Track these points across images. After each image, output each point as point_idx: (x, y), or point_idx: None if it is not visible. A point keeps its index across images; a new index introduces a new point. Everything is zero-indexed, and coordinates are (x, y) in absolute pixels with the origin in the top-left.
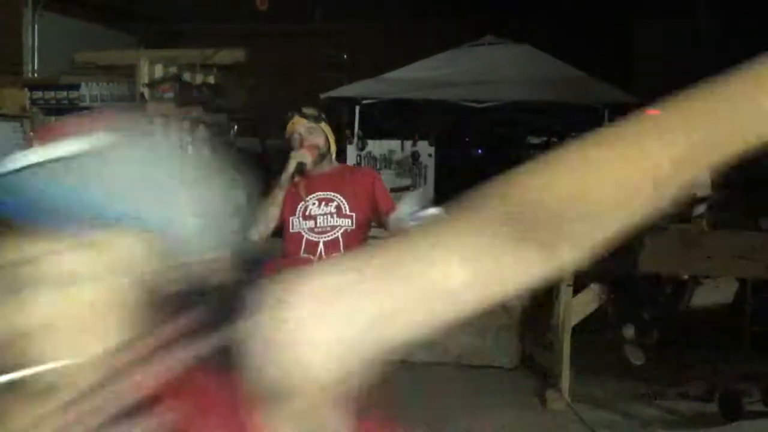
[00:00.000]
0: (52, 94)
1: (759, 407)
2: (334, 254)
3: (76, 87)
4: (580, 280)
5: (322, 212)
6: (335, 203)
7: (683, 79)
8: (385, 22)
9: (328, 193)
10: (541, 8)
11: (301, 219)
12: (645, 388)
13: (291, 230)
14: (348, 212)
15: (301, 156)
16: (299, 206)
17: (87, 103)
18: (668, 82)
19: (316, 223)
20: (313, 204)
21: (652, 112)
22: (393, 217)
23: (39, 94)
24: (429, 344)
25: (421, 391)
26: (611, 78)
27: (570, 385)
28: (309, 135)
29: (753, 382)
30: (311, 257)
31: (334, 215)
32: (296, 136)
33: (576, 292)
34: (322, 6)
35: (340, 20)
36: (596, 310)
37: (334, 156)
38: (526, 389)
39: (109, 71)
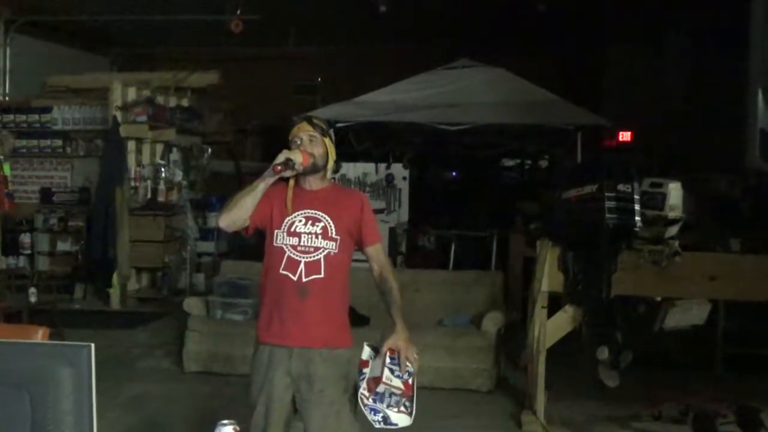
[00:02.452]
0: (23, 117)
1: (732, 428)
2: (313, 276)
3: (48, 110)
4: (555, 302)
5: (308, 231)
6: (322, 224)
7: (652, 103)
8: (358, 47)
9: (317, 212)
10: (514, 33)
11: (285, 234)
12: (619, 410)
13: (274, 243)
14: (333, 235)
15: (293, 153)
16: (286, 220)
17: (59, 127)
18: (637, 105)
19: (299, 241)
20: (300, 221)
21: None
22: (371, 249)
23: (10, 117)
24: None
25: None
26: (582, 101)
27: (545, 407)
28: (309, 143)
29: (726, 404)
30: (290, 275)
31: (319, 236)
32: (297, 140)
33: (550, 314)
34: (296, 30)
35: (314, 44)
36: (571, 332)
37: (329, 174)
38: (501, 412)
39: (81, 94)
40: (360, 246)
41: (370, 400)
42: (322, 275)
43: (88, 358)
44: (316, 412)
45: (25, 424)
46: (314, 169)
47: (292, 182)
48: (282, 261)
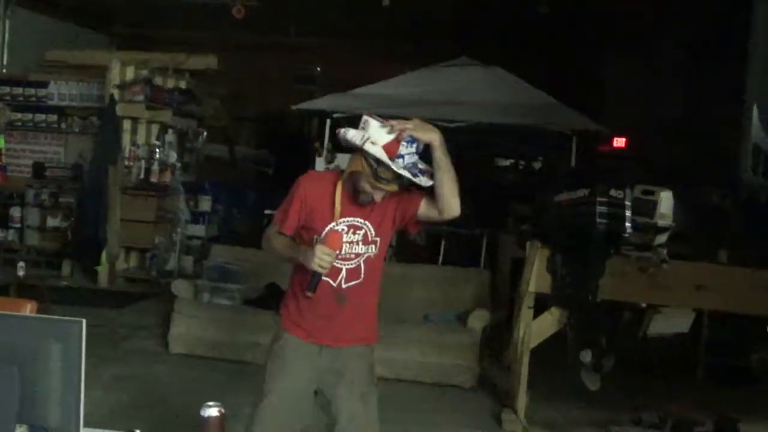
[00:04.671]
0: (20, 90)
1: None
2: (353, 282)
3: (45, 85)
4: (541, 304)
5: (349, 240)
6: (363, 231)
7: (648, 113)
8: (358, 39)
9: (357, 219)
10: (515, 34)
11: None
12: (600, 414)
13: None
14: (373, 238)
15: (323, 260)
16: (329, 227)
17: (55, 102)
18: (633, 114)
19: (341, 250)
20: (342, 230)
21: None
22: (423, 204)
23: (7, 89)
24: (388, 361)
25: (379, 406)
26: (580, 106)
27: (526, 407)
28: (381, 192)
29: (705, 412)
30: (330, 281)
31: (360, 243)
32: (367, 186)
33: (536, 315)
34: (297, 20)
35: (314, 35)
36: (555, 333)
37: None
38: (482, 409)
39: (79, 71)
40: (417, 212)
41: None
42: (361, 279)
43: (78, 334)
44: (346, 405)
45: (14, 397)
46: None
47: (339, 187)
48: (321, 278)
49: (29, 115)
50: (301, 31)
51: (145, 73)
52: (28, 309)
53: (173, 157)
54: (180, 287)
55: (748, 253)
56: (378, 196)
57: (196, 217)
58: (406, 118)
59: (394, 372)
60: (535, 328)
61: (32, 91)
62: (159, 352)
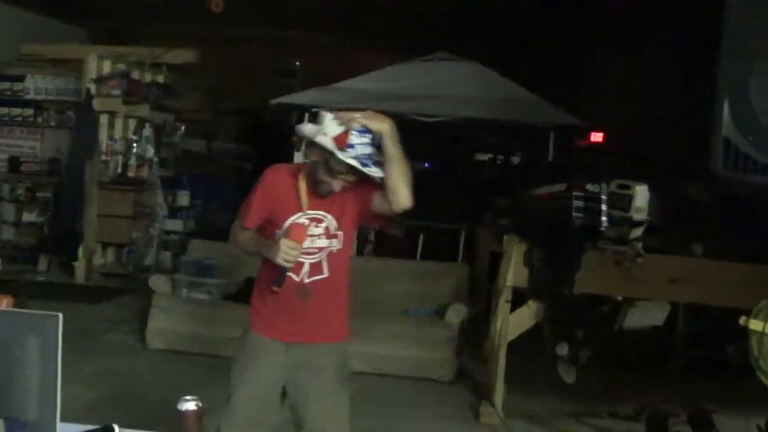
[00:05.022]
0: None
1: (685, 428)
2: (316, 276)
3: (21, 79)
4: (519, 297)
5: (311, 233)
6: (324, 224)
7: (626, 107)
8: (338, 33)
9: (319, 212)
10: (495, 28)
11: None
12: (576, 406)
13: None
14: (334, 231)
15: (288, 254)
16: (291, 219)
17: (31, 96)
18: (612, 108)
19: (305, 243)
20: (305, 223)
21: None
22: (378, 194)
23: None
24: (366, 355)
25: (357, 400)
26: (558, 101)
27: (504, 400)
28: (343, 183)
29: (680, 404)
30: (293, 276)
31: (323, 236)
32: (327, 178)
33: (514, 308)
34: (277, 13)
35: (294, 28)
36: (532, 327)
37: None
38: (461, 403)
39: (56, 65)
40: (372, 206)
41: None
42: (326, 274)
43: (55, 328)
44: (313, 404)
45: None
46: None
47: (302, 180)
48: (287, 272)
49: (5, 109)
50: (280, 25)
51: (122, 67)
52: (4, 304)
53: (151, 151)
54: (158, 282)
55: (723, 246)
56: (337, 186)
57: (174, 212)
58: (363, 110)
59: (373, 366)
60: (513, 322)
61: (8, 84)
62: (137, 347)
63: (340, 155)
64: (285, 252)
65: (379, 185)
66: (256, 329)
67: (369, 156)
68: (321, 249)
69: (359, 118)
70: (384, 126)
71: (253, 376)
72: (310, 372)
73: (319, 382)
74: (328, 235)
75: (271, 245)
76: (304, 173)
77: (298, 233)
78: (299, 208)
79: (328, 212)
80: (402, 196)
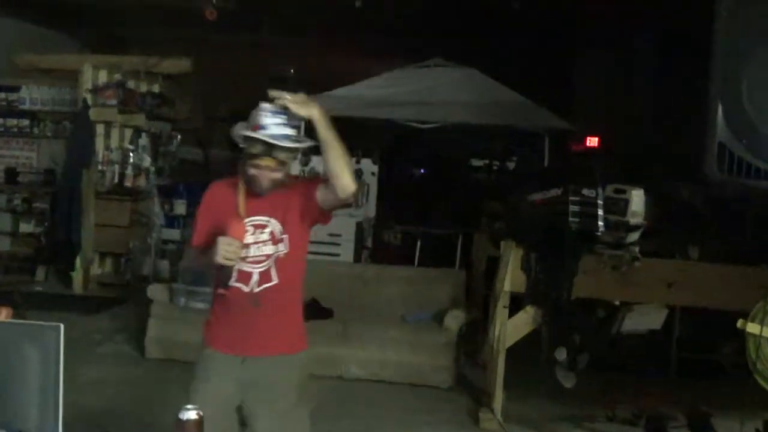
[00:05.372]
0: None
1: None
2: (266, 284)
3: (16, 89)
4: (516, 303)
5: (255, 240)
6: (269, 229)
7: (619, 110)
8: (332, 40)
9: (263, 217)
10: (487, 34)
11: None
12: (575, 410)
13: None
14: (281, 236)
15: (229, 252)
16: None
17: (27, 106)
18: (605, 112)
19: (248, 252)
20: (247, 231)
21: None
22: (321, 188)
23: None
24: (364, 361)
25: (355, 406)
26: (552, 105)
27: (503, 405)
28: (271, 172)
29: (678, 407)
30: (242, 287)
31: (268, 243)
32: (253, 168)
33: (511, 313)
34: (270, 20)
35: (288, 35)
36: (531, 332)
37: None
38: (460, 408)
39: (51, 75)
40: (317, 201)
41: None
42: (275, 281)
43: (56, 338)
44: (265, 422)
45: None
46: (272, 188)
47: (242, 187)
48: (232, 272)
49: (0, 120)
50: (274, 31)
51: (117, 76)
52: (3, 314)
53: (147, 160)
54: (156, 291)
55: (719, 248)
56: (264, 178)
57: (171, 221)
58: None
59: (371, 372)
60: (511, 327)
61: (3, 95)
62: (135, 356)
63: (252, 134)
64: (224, 249)
65: (323, 180)
66: (210, 344)
67: (287, 136)
68: (268, 256)
69: (285, 101)
70: (313, 111)
71: (209, 393)
72: (264, 389)
73: (272, 401)
74: (274, 240)
75: (212, 250)
76: (241, 179)
77: (235, 230)
78: (242, 213)
79: (272, 216)
80: (344, 179)
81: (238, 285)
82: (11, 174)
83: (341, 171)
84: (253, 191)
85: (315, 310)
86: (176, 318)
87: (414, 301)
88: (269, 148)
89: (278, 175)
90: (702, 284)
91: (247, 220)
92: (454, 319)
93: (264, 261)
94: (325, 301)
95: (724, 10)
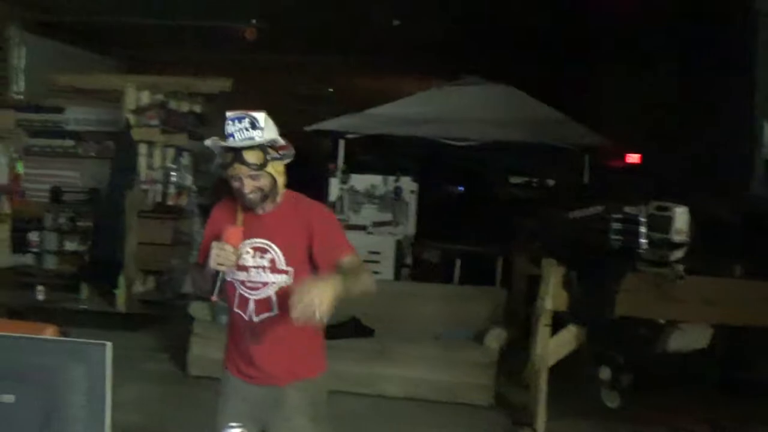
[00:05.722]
0: (36, 116)
1: None
2: (264, 314)
3: (60, 110)
4: (558, 321)
5: (255, 265)
6: (269, 256)
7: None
8: (368, 59)
9: (263, 241)
10: (521, 51)
11: (234, 268)
12: (618, 430)
13: (226, 277)
14: (284, 267)
15: (223, 258)
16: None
17: (71, 127)
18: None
19: (248, 276)
20: (247, 253)
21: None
22: (344, 262)
23: (24, 115)
24: (403, 379)
25: (395, 425)
26: (590, 122)
27: (545, 425)
28: (252, 181)
29: (724, 427)
30: (242, 314)
31: (267, 270)
32: (235, 182)
33: (553, 332)
34: (306, 40)
35: (323, 54)
36: (573, 351)
37: (281, 191)
38: (499, 428)
39: (93, 95)
40: (319, 268)
41: None
42: (274, 312)
43: (103, 356)
44: None
45: (40, 420)
46: (264, 200)
47: (240, 211)
48: (234, 298)
49: (46, 141)
50: (309, 51)
51: (159, 97)
52: (50, 332)
53: (189, 179)
54: (197, 309)
55: (762, 266)
56: (246, 188)
57: None
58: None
59: (410, 390)
60: (553, 346)
61: (48, 116)
62: (177, 374)
63: (209, 142)
64: (215, 253)
65: (335, 265)
66: (226, 366)
67: (250, 139)
68: (266, 284)
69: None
70: (328, 296)
71: (230, 414)
72: (275, 413)
73: (285, 422)
74: (274, 269)
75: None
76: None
77: (230, 233)
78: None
79: (273, 242)
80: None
81: (238, 312)
82: (56, 193)
83: (366, 294)
84: (249, 210)
85: (356, 329)
86: (218, 336)
87: (453, 320)
88: (237, 154)
89: (260, 183)
90: (746, 302)
91: (247, 241)
92: (496, 338)
93: (261, 288)
94: (365, 319)
95: (765, 28)
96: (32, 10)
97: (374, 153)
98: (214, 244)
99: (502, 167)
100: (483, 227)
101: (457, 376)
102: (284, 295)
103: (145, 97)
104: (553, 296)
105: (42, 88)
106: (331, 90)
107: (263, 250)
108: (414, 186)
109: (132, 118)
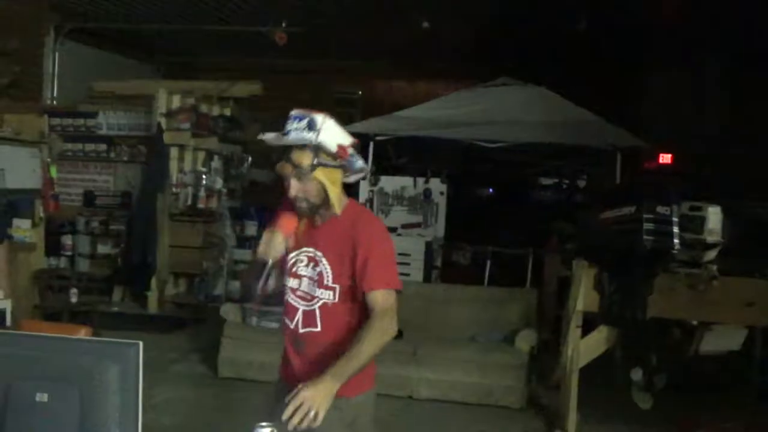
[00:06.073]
0: (70, 121)
1: None
2: (309, 328)
3: (93, 115)
4: (589, 322)
5: (307, 275)
6: (319, 269)
7: (691, 127)
8: (399, 61)
9: (317, 252)
10: (555, 51)
11: (288, 273)
12: None
13: (282, 281)
14: (330, 283)
15: (271, 247)
16: (291, 256)
17: (104, 131)
18: (676, 129)
19: (299, 285)
20: (302, 261)
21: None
22: (368, 297)
23: (57, 120)
24: (434, 381)
25: (425, 427)
26: (621, 123)
27: (577, 426)
28: (298, 183)
29: (758, 431)
30: (289, 322)
31: (316, 283)
32: (285, 182)
33: (584, 333)
34: (337, 43)
35: (355, 58)
36: (604, 352)
37: (338, 201)
38: (532, 430)
39: (126, 100)
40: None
41: None
42: (318, 328)
43: (135, 356)
44: None
45: (74, 418)
46: (314, 209)
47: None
48: (285, 303)
49: (79, 145)
50: (341, 54)
51: (190, 101)
52: (82, 334)
53: (219, 183)
54: (228, 311)
55: None
56: (292, 190)
57: (242, 242)
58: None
59: (441, 392)
60: (584, 347)
61: (82, 121)
62: (209, 375)
63: (262, 136)
64: (265, 240)
65: (365, 286)
66: (280, 372)
67: (303, 138)
68: (314, 297)
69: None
70: (322, 398)
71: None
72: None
73: None
74: (321, 283)
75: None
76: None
77: (285, 222)
78: (295, 244)
79: (323, 255)
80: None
81: (286, 320)
82: (89, 197)
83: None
84: (296, 208)
85: None
86: (249, 338)
87: (484, 321)
88: (287, 152)
89: (305, 187)
90: None
91: (303, 249)
92: (526, 340)
93: (310, 300)
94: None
95: None
96: (68, 17)
97: (404, 154)
98: (266, 231)
99: (533, 169)
100: (513, 228)
101: (487, 378)
102: (328, 312)
103: (177, 101)
104: (584, 297)
105: (77, 93)
106: (360, 93)
107: (315, 262)
108: (443, 188)
109: (163, 122)
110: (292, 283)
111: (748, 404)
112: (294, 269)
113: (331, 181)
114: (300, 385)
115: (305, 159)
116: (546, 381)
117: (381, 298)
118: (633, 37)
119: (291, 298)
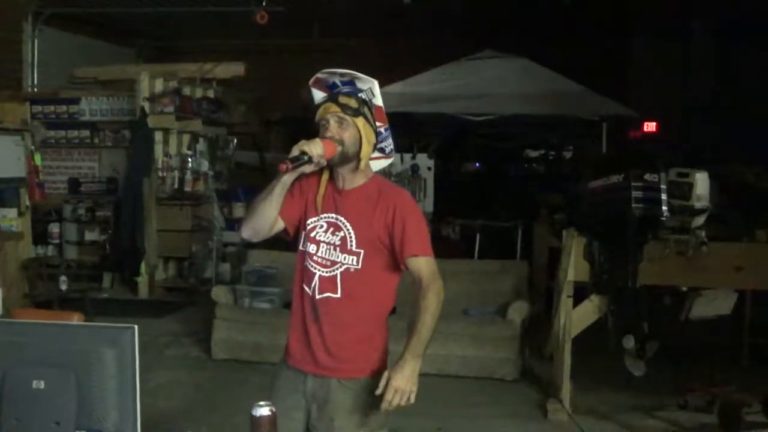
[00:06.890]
0: (52, 108)
1: (759, 418)
2: (327, 294)
3: (75, 101)
4: (580, 292)
5: (327, 240)
6: (342, 234)
7: (678, 95)
8: (382, 38)
9: (339, 217)
10: (539, 23)
11: (306, 239)
12: (645, 400)
13: (300, 247)
14: (354, 248)
15: (312, 144)
16: (310, 221)
17: (87, 118)
18: (663, 97)
19: (317, 250)
20: (321, 227)
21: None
22: (410, 262)
23: (39, 108)
24: (429, 356)
25: (422, 402)
26: (607, 92)
27: (571, 396)
28: (338, 126)
29: (752, 393)
30: (306, 289)
31: (338, 248)
32: (323, 122)
33: (576, 303)
34: (320, 22)
35: (338, 36)
36: (596, 321)
37: (364, 163)
38: (526, 400)
39: (108, 86)
40: (398, 259)
41: None
42: (338, 295)
43: (131, 339)
44: None
45: (72, 404)
46: (343, 160)
47: (326, 176)
48: (302, 270)
49: (62, 132)
50: (324, 33)
51: (173, 84)
52: (75, 320)
53: (205, 165)
54: (220, 293)
55: None
56: (331, 130)
57: (231, 224)
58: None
59: (436, 367)
60: (576, 317)
61: (64, 108)
62: (202, 358)
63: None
64: (306, 142)
65: (406, 252)
66: (284, 356)
67: (354, 87)
68: (334, 263)
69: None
70: (411, 372)
71: (277, 405)
72: (323, 410)
73: (329, 422)
74: (345, 248)
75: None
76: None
77: (327, 143)
78: (315, 211)
79: (347, 220)
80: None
81: (302, 285)
82: (74, 184)
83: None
84: (333, 182)
85: None
86: (241, 319)
87: (476, 295)
88: (333, 96)
89: (344, 132)
90: None
91: (323, 215)
92: (518, 311)
93: (329, 267)
94: None
95: None
96: (47, 3)
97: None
98: (308, 141)
99: (520, 141)
100: (502, 201)
101: (481, 351)
102: (350, 278)
103: (159, 85)
104: (574, 267)
105: (58, 80)
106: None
107: (337, 227)
108: (430, 163)
109: (147, 106)
110: (310, 248)
111: (740, 368)
112: (312, 234)
113: (367, 137)
114: (386, 374)
115: (352, 102)
116: (538, 352)
117: (425, 263)
118: (618, 5)
119: (309, 264)
